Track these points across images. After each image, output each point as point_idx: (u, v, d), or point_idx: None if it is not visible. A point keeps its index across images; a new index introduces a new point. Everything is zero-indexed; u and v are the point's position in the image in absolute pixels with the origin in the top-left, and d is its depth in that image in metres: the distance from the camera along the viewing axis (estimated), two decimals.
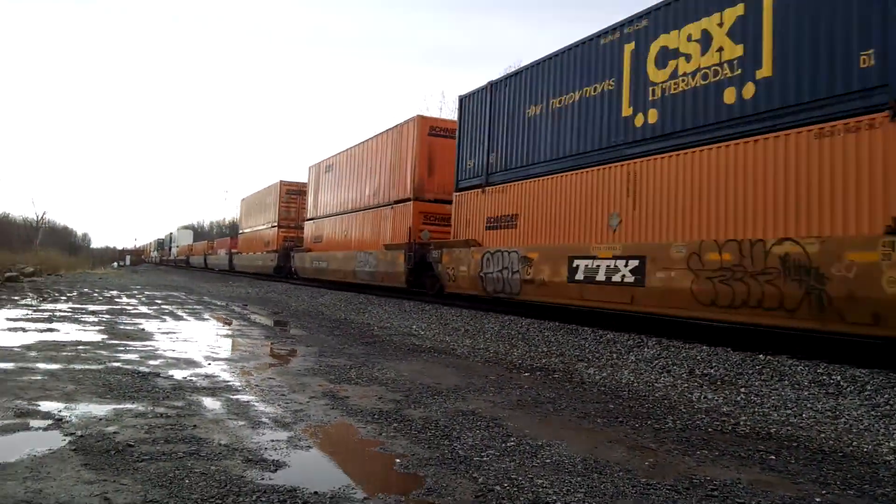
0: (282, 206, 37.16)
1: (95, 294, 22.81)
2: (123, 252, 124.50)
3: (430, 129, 20.78)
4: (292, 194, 37.34)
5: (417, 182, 20.56)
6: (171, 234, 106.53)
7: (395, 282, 20.97)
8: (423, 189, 20.52)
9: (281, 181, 37.74)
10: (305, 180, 33.90)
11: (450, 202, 18.37)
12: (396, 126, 22.05)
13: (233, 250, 50.73)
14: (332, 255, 26.90)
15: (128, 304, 18.89)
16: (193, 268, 72.91)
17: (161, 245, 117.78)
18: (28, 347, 9.27)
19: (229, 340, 11.45)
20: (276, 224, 37.57)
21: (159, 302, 20.05)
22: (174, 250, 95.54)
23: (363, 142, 25.16)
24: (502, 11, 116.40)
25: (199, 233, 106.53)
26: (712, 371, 8.51)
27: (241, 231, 49.28)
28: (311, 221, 30.84)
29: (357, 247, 24.56)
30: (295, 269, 32.48)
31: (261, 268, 39.72)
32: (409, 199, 20.75)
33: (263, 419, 5.68)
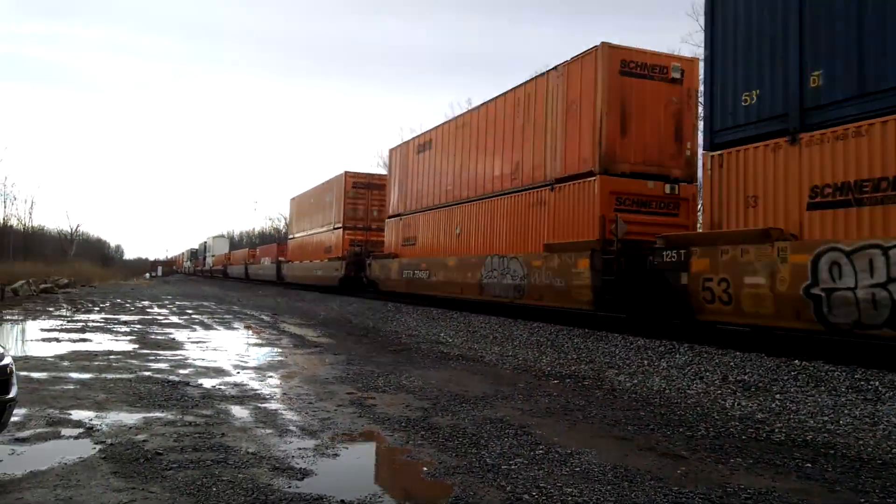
0: (347, 203, 30.51)
1: (127, 304, 23.12)
2: (155, 263, 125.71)
3: (623, 64, 13.21)
4: (360, 188, 30.84)
5: (606, 146, 12.89)
6: (205, 242, 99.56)
7: (569, 301, 13.68)
8: (613, 157, 12.93)
9: (346, 172, 31.02)
10: (377, 170, 29.46)
11: (658, 177, 13.33)
12: (560, 66, 14.60)
13: (281, 258, 45.24)
14: (438, 262, 19.36)
15: (159, 314, 19.11)
16: (231, 279, 67.27)
17: (194, 255, 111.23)
18: (61, 357, 9.40)
19: (258, 349, 11.51)
20: (339, 225, 30.98)
21: (189, 312, 20.25)
22: (209, 260, 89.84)
23: (485, 104, 18.05)
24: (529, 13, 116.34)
25: (230, 243, 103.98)
26: (746, 377, 8.34)
27: (291, 236, 42.68)
28: (397, 219, 23.69)
29: (482, 250, 17.03)
30: (373, 279, 25.34)
31: (321, 279, 32.65)
32: (590, 174, 13.11)
33: (291, 427, 5.68)
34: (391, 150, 25.35)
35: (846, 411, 6.62)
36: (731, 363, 9.16)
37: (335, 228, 31.49)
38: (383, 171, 35.82)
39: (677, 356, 9.95)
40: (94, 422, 5.63)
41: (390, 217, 24.37)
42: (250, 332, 14.90)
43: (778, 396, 7.37)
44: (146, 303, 24.56)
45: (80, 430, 5.36)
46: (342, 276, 29.02)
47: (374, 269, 24.90)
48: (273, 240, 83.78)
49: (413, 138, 23.45)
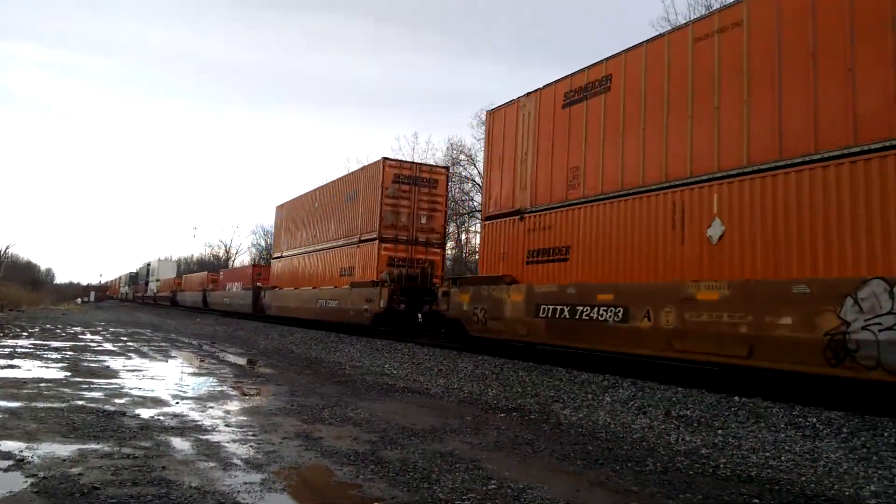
0: (385, 205, 21.64)
1: (58, 330, 22.24)
2: (88, 288, 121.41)
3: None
4: (404, 183, 22.01)
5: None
6: (147, 265, 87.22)
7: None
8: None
9: (385, 159, 22.17)
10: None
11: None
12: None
13: (260, 284, 36.03)
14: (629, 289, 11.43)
15: (92, 340, 18.42)
16: (182, 307, 58.59)
17: (134, 279, 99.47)
18: None
19: (198, 378, 11.17)
20: (372, 236, 22.01)
21: (124, 339, 19.59)
22: (153, 285, 79.43)
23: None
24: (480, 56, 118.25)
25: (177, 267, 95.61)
26: (688, 412, 8.47)
27: (276, 255, 33.25)
28: (510, 220, 15.04)
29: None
30: (454, 317, 16.57)
31: (337, 313, 23.72)
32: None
33: (235, 460, 5.49)
34: (492, 113, 16.28)
35: (786, 447, 6.77)
36: (674, 398, 9.32)
37: (363, 241, 22.55)
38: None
39: (620, 391, 10.07)
40: (24, 453, 5.33)
41: (494, 217, 15.67)
42: (189, 361, 14.47)
43: (720, 432, 7.50)
44: (78, 328, 23.66)
45: (10, 461, 5.08)
46: (380, 310, 20.49)
47: (456, 302, 16.44)
48: (210, 267, 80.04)
49: (567, 78, 13.71)
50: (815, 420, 7.77)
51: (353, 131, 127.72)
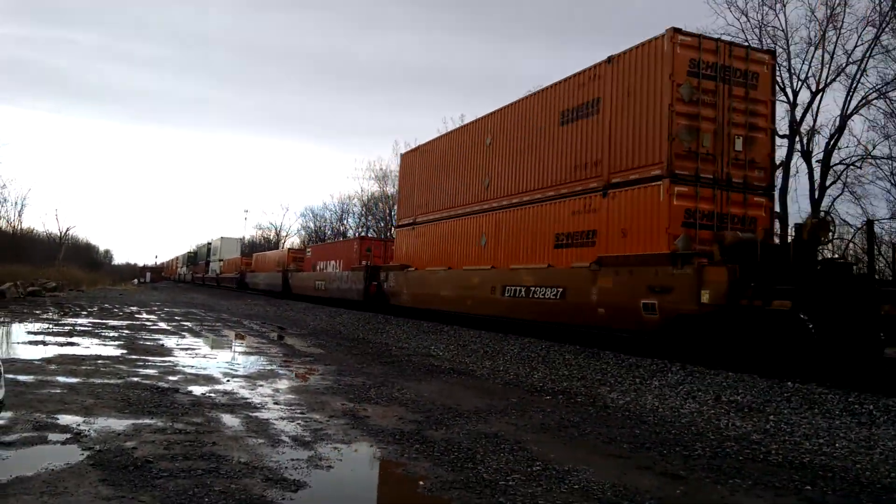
0: (679, 114, 11.62)
1: (115, 310, 22.91)
2: (144, 269, 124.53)
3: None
4: (707, 76, 11.91)
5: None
6: (208, 244, 78.69)
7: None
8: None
9: (674, 31, 11.80)
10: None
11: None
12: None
13: (373, 263, 26.72)
14: None
15: (147, 319, 18.93)
16: (255, 292, 49.46)
17: (193, 259, 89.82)
18: (48, 361, 9.26)
19: (248, 357, 11.39)
20: (656, 173, 11.69)
21: (178, 318, 20.07)
22: (215, 265, 71.06)
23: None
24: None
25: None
26: (739, 398, 8.31)
27: (404, 222, 23.10)
28: None
29: None
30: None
31: (552, 309, 14.18)
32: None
33: (283, 437, 5.59)
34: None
35: (841, 434, 6.59)
36: (724, 383, 9.14)
37: (622, 184, 12.62)
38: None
39: (669, 375, 9.92)
40: (81, 427, 5.52)
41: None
42: (240, 340, 14.76)
43: (772, 418, 7.33)
44: (134, 308, 24.35)
45: (68, 435, 5.25)
46: (690, 310, 10.82)
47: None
48: (260, 249, 76.69)
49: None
50: (871, 407, 7.54)
51: (401, 115, 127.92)
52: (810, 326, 9.45)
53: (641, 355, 11.82)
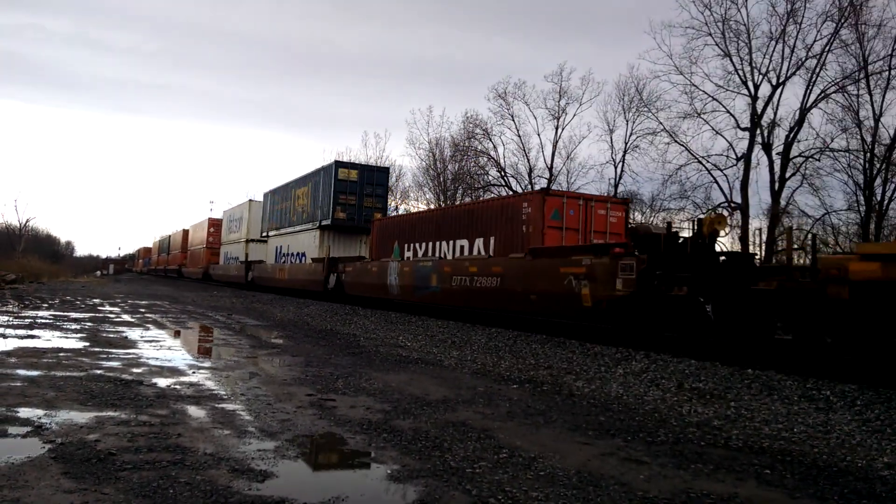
0: None
1: (78, 302, 22.51)
2: (107, 261, 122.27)
3: None
4: None
5: None
6: (169, 236, 67.74)
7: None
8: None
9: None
10: None
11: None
12: None
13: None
14: None
15: (110, 312, 18.63)
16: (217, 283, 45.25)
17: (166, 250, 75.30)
18: (8, 354, 9.08)
19: (214, 349, 11.29)
20: None
21: (143, 311, 19.80)
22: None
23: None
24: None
25: None
26: (701, 385, 8.47)
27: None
28: None
29: None
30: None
31: None
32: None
33: (250, 428, 5.56)
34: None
35: (799, 419, 6.76)
36: (687, 371, 9.31)
37: None
38: None
39: (633, 363, 10.08)
40: (43, 420, 5.43)
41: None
42: (206, 331, 14.61)
43: (733, 404, 7.49)
44: (97, 300, 23.95)
45: (29, 428, 5.17)
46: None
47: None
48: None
49: None
50: (828, 393, 7.75)
51: (369, 106, 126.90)
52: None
53: (606, 343, 11.98)
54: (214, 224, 51.68)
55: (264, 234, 39.73)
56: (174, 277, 65.84)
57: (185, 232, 63.55)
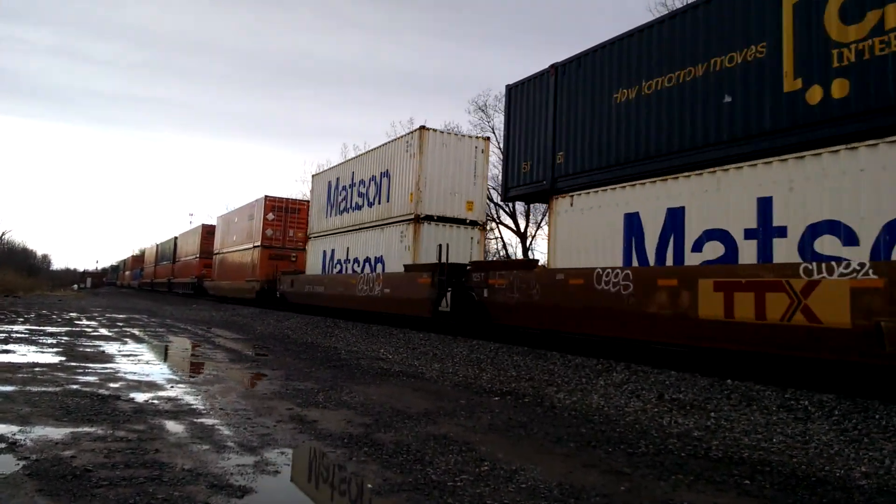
0: None
1: (54, 316, 22.22)
2: (85, 274, 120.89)
3: None
4: None
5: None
6: (175, 239, 58.75)
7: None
8: None
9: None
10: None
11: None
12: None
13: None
14: None
15: (87, 325, 18.40)
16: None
17: (165, 256, 64.18)
18: None
19: (194, 363, 11.17)
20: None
21: (121, 324, 19.57)
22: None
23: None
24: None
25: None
26: (681, 396, 8.50)
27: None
28: None
29: None
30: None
31: None
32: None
33: (229, 443, 5.50)
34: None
35: (778, 429, 6.80)
36: (667, 382, 9.34)
37: None
38: None
39: (614, 374, 10.10)
40: (17, 436, 5.34)
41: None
42: (185, 345, 14.47)
43: (713, 415, 7.53)
44: (74, 314, 23.65)
45: (2, 445, 5.08)
46: None
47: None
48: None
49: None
50: (806, 403, 7.81)
51: (350, 117, 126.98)
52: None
53: (587, 355, 11.99)
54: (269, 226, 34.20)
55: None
56: (191, 294, 48.07)
57: (207, 228, 47.52)
